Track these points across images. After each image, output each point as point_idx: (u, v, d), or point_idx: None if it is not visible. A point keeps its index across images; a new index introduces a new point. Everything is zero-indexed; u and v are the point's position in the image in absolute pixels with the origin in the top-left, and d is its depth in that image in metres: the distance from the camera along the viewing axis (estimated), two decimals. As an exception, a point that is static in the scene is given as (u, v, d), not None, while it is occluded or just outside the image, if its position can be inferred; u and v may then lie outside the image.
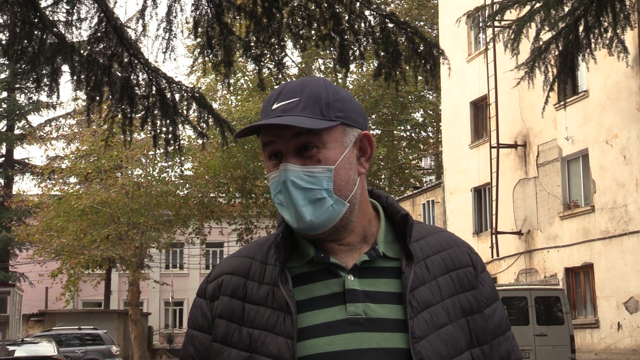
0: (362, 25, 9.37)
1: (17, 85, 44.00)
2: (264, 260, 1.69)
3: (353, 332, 1.58)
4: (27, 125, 44.85)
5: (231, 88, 32.37)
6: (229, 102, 35.25)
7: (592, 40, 10.63)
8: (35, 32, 8.51)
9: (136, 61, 9.23)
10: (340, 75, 29.26)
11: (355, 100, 1.72)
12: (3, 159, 45.16)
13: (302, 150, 1.62)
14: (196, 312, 1.73)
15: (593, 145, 20.57)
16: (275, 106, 1.64)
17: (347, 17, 9.36)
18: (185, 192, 33.55)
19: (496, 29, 16.46)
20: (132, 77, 9.24)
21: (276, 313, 1.61)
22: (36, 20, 8.45)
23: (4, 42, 9.11)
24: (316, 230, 1.63)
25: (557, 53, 11.17)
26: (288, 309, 1.59)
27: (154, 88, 9.37)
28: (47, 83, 8.90)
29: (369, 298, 1.61)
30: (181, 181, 33.37)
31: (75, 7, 8.81)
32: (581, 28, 10.64)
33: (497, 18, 13.15)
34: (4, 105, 45.05)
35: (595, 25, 10.45)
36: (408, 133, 38.27)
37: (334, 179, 1.62)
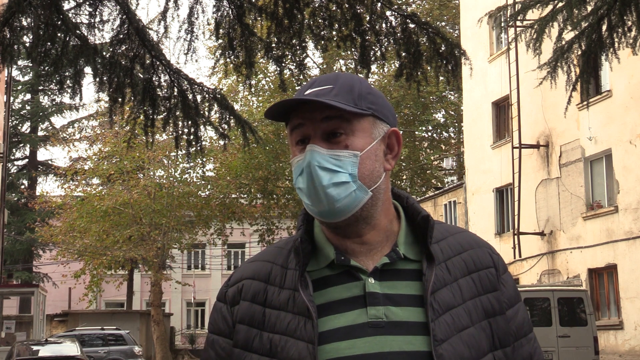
0: (384, 25, 9.34)
1: (41, 87, 44.43)
2: (284, 265, 1.68)
3: (374, 335, 1.58)
4: (51, 127, 45.22)
5: (252, 89, 32.49)
6: (251, 103, 35.30)
7: (616, 40, 10.52)
8: (58, 35, 8.56)
9: (158, 63, 9.26)
10: (361, 76, 29.22)
11: (386, 99, 1.72)
12: (27, 160, 45.56)
13: (331, 137, 1.61)
14: (217, 317, 1.73)
15: (616, 145, 20.41)
16: (308, 92, 1.64)
17: (368, 18, 9.33)
18: (207, 193, 33.67)
19: (518, 29, 16.36)
20: (154, 79, 9.26)
21: (297, 318, 1.60)
22: (59, 23, 8.50)
23: (27, 44, 9.17)
24: (336, 216, 1.62)
25: (579, 53, 11.08)
26: (309, 314, 1.58)
27: (176, 89, 9.40)
28: (70, 85, 8.94)
29: (390, 301, 1.60)
30: (203, 182, 33.49)
31: (98, 10, 8.86)
32: (604, 27, 10.54)
33: (519, 18, 13.06)
34: (28, 107, 45.45)
35: (619, 25, 10.34)
36: (430, 133, 38.17)
37: (359, 167, 1.61)
